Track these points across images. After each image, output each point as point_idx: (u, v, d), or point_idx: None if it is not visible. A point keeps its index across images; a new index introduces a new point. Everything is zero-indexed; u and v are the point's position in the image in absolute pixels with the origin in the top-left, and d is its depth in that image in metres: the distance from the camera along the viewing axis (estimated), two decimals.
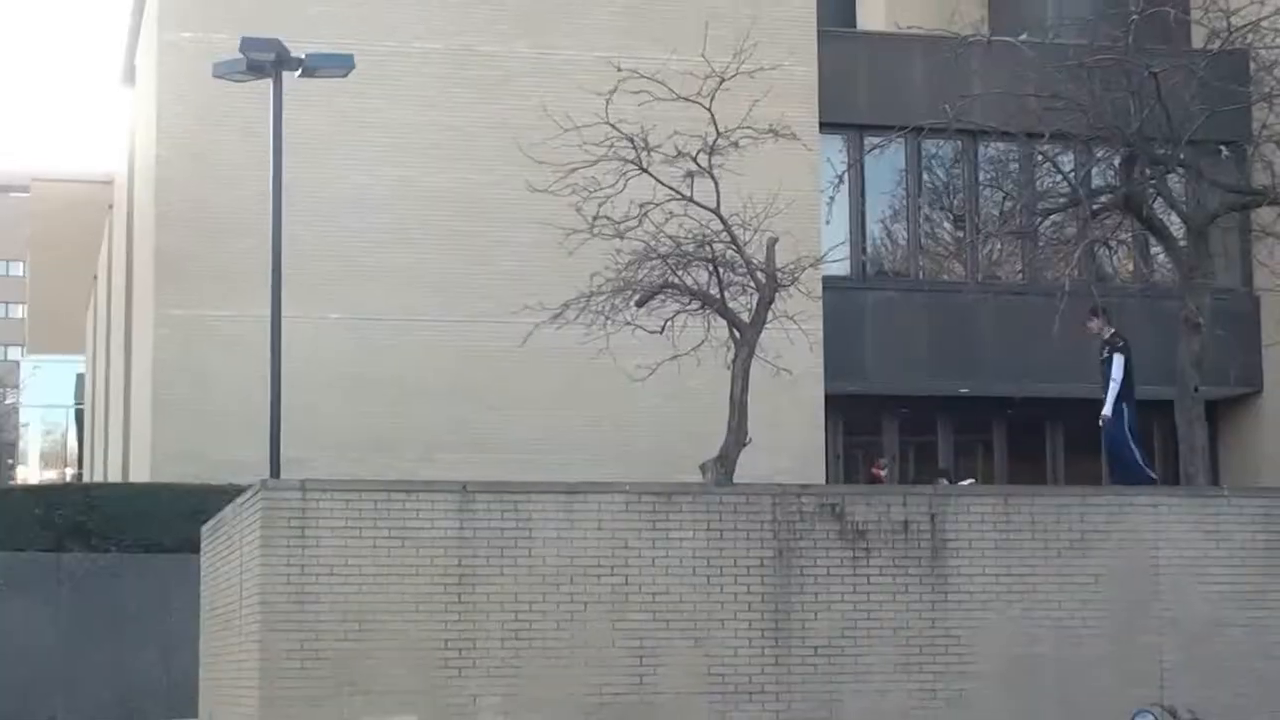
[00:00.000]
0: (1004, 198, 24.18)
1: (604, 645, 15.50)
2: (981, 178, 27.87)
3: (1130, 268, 26.91)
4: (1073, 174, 21.46)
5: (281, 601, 15.06)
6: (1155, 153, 20.06)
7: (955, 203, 29.82)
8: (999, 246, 27.59)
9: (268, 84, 22.97)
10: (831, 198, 23.18)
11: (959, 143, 27.74)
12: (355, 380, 27.04)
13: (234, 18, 26.59)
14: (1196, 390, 19.29)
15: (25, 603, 24.48)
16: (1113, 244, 22.40)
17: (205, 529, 19.76)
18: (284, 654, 14.99)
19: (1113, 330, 20.06)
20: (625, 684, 15.47)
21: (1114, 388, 19.45)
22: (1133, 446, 19.53)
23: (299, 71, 23.15)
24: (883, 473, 28.28)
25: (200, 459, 25.60)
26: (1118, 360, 19.59)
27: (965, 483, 26.33)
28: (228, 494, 19.39)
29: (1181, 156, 20.33)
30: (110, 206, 45.74)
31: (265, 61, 22.73)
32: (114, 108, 46.58)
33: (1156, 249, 23.21)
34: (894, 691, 15.99)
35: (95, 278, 53.57)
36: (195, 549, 20.50)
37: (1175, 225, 20.68)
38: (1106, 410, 19.47)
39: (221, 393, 26.30)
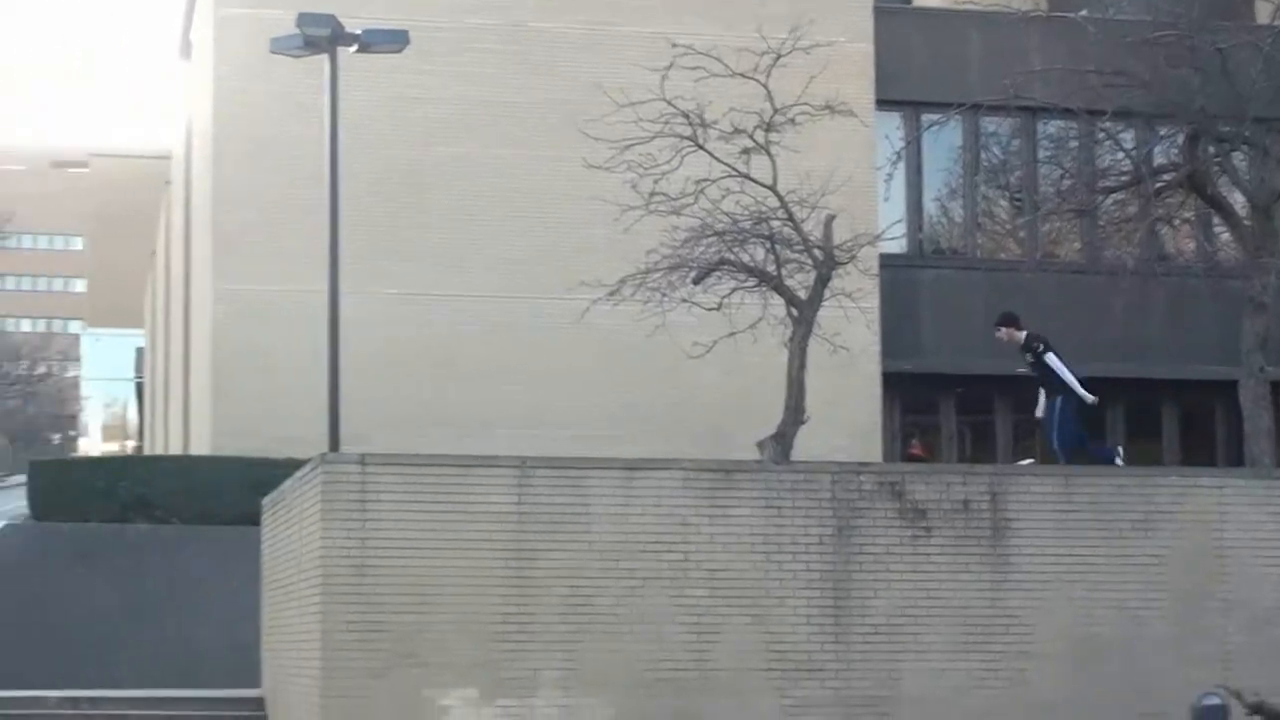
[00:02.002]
0: (1063, 175, 23.99)
1: (663, 621, 15.48)
2: (1040, 155, 27.68)
3: (1193, 247, 26.71)
4: (1135, 151, 21.28)
5: (342, 574, 15.08)
6: (1220, 130, 19.87)
7: (1013, 180, 29.62)
8: (1058, 224, 27.39)
9: (323, 60, 23.01)
10: (889, 175, 23.06)
11: (1017, 119, 27.54)
12: (412, 356, 27.08)
13: None
14: (1262, 371, 19.10)
15: (89, 573, 24.70)
16: (1175, 223, 22.19)
17: (265, 502, 19.83)
18: (344, 626, 15.03)
19: (1025, 332, 19.51)
20: (684, 660, 15.45)
21: (1070, 377, 18.84)
22: (1083, 434, 19.10)
23: (355, 47, 23.17)
24: (918, 451, 28.15)
25: (259, 434, 25.69)
26: (1053, 358, 19.04)
27: (1025, 463, 26.21)
28: (287, 468, 19.47)
29: (1247, 134, 20.12)
30: (168, 182, 45.92)
31: (321, 37, 22.76)
32: (171, 83, 46.69)
33: (1220, 228, 22.99)
34: (953, 670, 15.92)
35: (154, 253, 53.80)
36: (255, 522, 20.60)
37: (1240, 204, 20.47)
38: (1089, 397, 18.88)
39: (280, 368, 26.38)
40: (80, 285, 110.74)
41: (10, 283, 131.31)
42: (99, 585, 24.59)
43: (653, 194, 19.09)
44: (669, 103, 19.15)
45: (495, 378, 27.30)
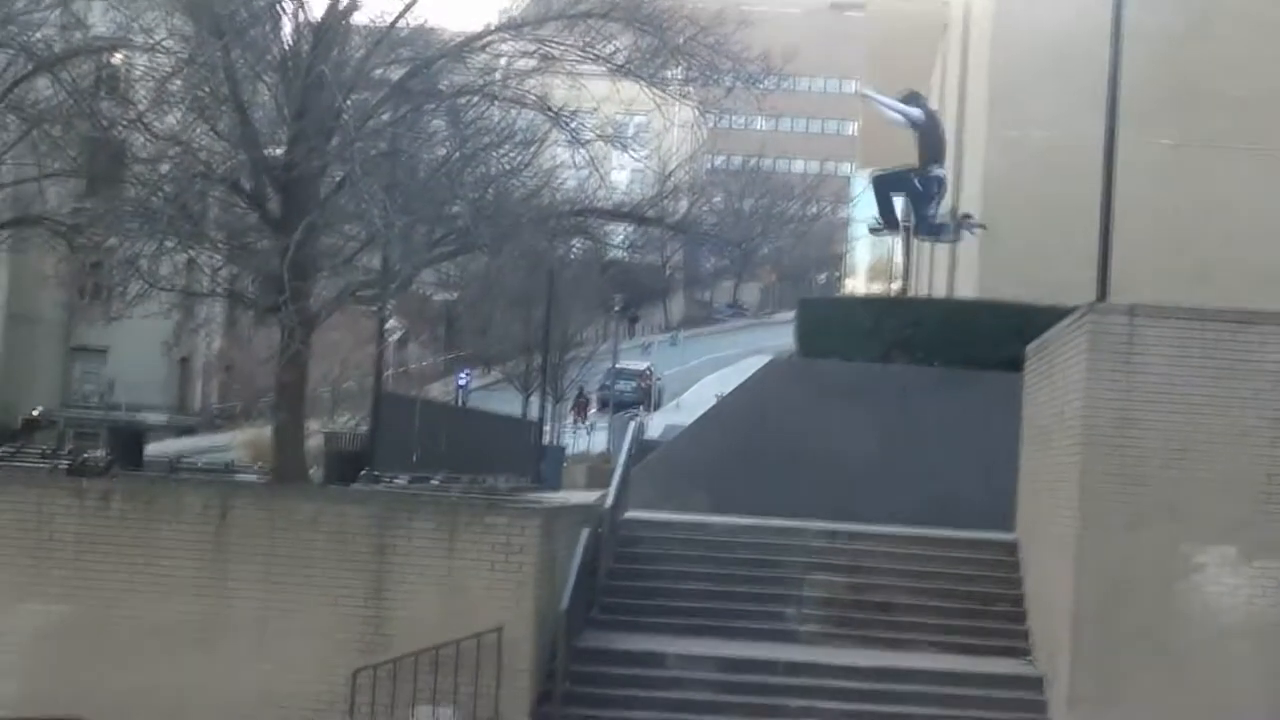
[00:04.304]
0: None
1: None
2: None
3: None
4: None
5: (1104, 425, 15.07)
6: None
7: None
8: None
9: None
10: None
11: None
12: (1181, 207, 26.51)
13: None
14: None
15: (850, 409, 25.36)
16: None
17: (1030, 349, 19.91)
18: (1104, 476, 15.04)
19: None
20: None
21: None
22: None
23: None
24: None
25: (1024, 279, 25.78)
26: None
27: None
28: (1050, 315, 19.45)
29: None
30: (944, 26, 46.24)
31: None
32: None
33: None
34: None
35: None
36: (1016, 367, 20.66)
37: None
38: None
39: (1050, 214, 26.38)
40: (853, 128, 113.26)
41: (786, 124, 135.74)
42: (859, 422, 25.10)
43: None
44: None
45: (1270, 232, 26.40)
